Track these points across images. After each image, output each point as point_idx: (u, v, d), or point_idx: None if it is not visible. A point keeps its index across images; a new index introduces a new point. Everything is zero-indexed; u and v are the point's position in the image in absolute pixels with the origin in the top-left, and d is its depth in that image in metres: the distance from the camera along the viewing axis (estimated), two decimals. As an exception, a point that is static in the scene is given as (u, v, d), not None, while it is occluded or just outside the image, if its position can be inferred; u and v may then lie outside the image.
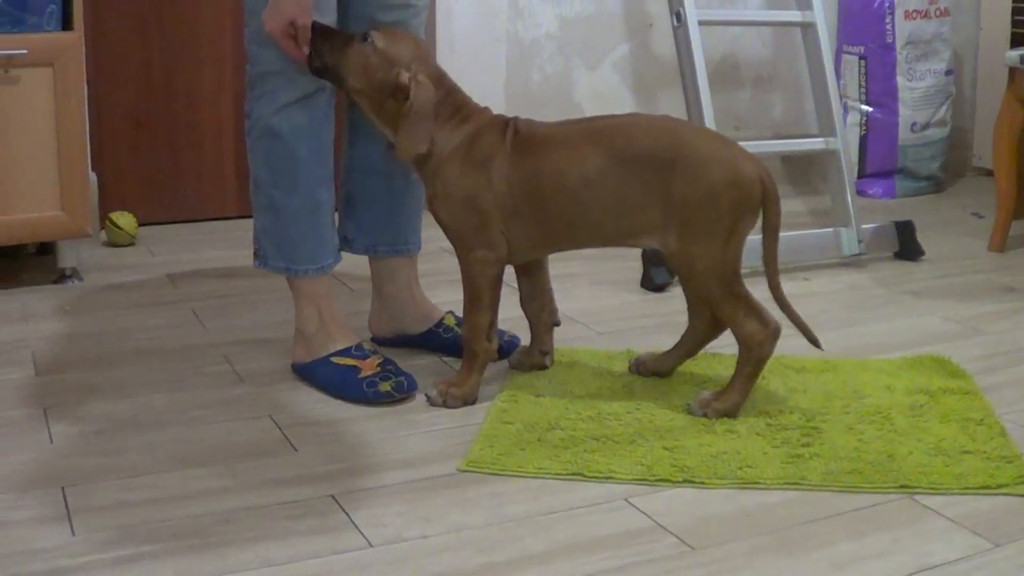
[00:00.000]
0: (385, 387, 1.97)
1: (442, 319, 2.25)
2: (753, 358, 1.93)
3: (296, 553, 1.49)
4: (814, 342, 1.99)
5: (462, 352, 2.04)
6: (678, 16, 2.95)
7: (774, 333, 1.93)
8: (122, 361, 2.20)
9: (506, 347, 2.18)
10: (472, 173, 1.94)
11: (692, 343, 2.10)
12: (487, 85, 3.54)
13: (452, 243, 2.01)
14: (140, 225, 3.19)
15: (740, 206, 1.89)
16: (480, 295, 1.99)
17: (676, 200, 1.89)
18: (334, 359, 2.04)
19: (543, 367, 2.15)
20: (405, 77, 1.92)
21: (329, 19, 1.99)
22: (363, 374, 1.99)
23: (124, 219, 3.13)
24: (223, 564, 1.45)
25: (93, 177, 2.98)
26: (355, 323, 2.25)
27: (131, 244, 3.13)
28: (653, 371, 2.12)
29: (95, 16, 3.10)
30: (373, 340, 2.27)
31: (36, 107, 2.60)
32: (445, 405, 1.99)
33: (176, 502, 1.62)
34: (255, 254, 2.12)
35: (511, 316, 2.23)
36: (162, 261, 2.97)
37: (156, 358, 2.22)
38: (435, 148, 1.95)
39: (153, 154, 3.33)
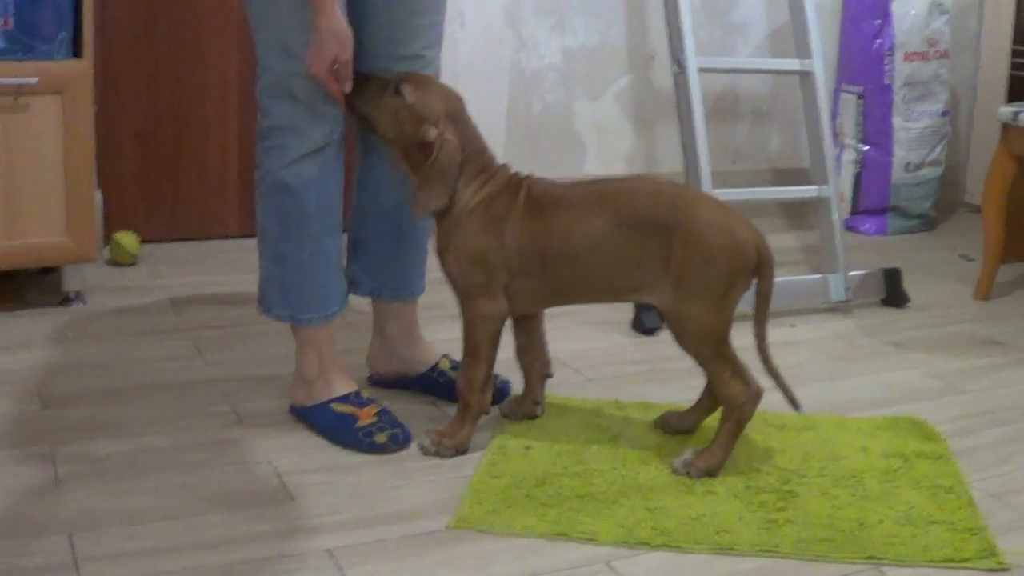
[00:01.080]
0: (381, 438, 2.04)
1: (437, 363, 2.32)
2: (735, 418, 2.01)
3: (291, 611, 1.56)
4: (795, 406, 2.06)
5: (454, 396, 2.11)
6: (679, 63, 3.01)
7: (756, 396, 2.01)
8: (125, 396, 2.28)
9: (497, 395, 2.25)
10: (486, 233, 2.01)
11: (711, 400, 2.16)
12: (489, 113, 3.59)
13: (457, 296, 2.08)
14: (143, 242, 3.26)
15: (735, 271, 1.97)
16: (480, 349, 2.06)
17: (675, 262, 1.96)
18: (333, 406, 2.11)
19: (534, 416, 2.23)
20: (432, 134, 1.98)
21: None
22: (360, 423, 2.06)
23: (127, 238, 3.19)
24: (221, 621, 1.53)
25: (98, 196, 3.04)
26: (353, 359, 2.33)
27: (133, 263, 3.20)
28: (677, 429, 2.19)
29: (103, 40, 3.17)
30: (370, 379, 2.35)
31: (44, 134, 2.67)
32: (438, 455, 2.06)
33: (178, 552, 1.69)
34: (259, 300, 2.19)
35: (503, 358, 2.28)
36: (164, 284, 3.04)
37: (158, 394, 2.29)
38: (457, 204, 2.02)
39: (157, 173, 3.40)
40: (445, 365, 2.32)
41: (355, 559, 1.70)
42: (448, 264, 2.05)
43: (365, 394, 2.16)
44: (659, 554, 1.77)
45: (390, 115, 2.01)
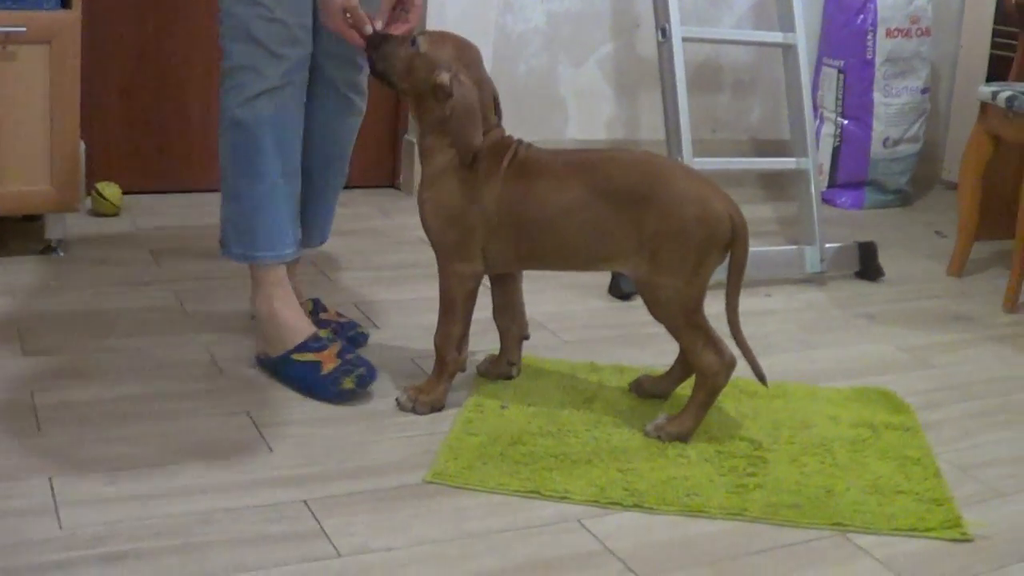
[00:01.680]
0: (348, 383, 2.07)
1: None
2: (707, 387, 2.04)
3: (268, 559, 1.59)
4: (761, 379, 2.09)
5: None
6: (663, 32, 3.03)
7: (729, 365, 2.04)
8: (106, 345, 2.29)
9: (352, 340, 2.30)
10: (468, 191, 2.03)
11: (684, 367, 2.19)
12: (473, 76, 3.60)
13: (434, 251, 2.10)
14: (125, 194, 3.26)
15: (708, 242, 1.99)
16: (455, 307, 2.08)
17: (648, 233, 1.99)
18: (295, 356, 2.13)
19: (509, 377, 2.26)
20: (445, 77, 2.00)
21: None
22: (325, 370, 2.08)
23: (109, 190, 3.20)
24: (200, 568, 1.55)
25: (81, 146, 3.04)
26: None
27: (115, 215, 3.20)
28: (651, 394, 2.22)
29: (93, -9, 3.15)
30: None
31: (31, 83, 2.67)
32: (414, 411, 2.09)
33: (158, 500, 1.72)
34: (220, 242, 2.22)
35: (479, 318, 2.30)
36: (146, 235, 3.05)
37: (139, 343, 2.31)
38: (444, 154, 2.04)
39: (141, 125, 3.40)
40: (307, 307, 2.35)
41: (331, 510, 1.73)
42: (426, 215, 2.08)
43: (323, 333, 2.17)
44: (630, 514, 1.80)
45: (405, 66, 2.03)
